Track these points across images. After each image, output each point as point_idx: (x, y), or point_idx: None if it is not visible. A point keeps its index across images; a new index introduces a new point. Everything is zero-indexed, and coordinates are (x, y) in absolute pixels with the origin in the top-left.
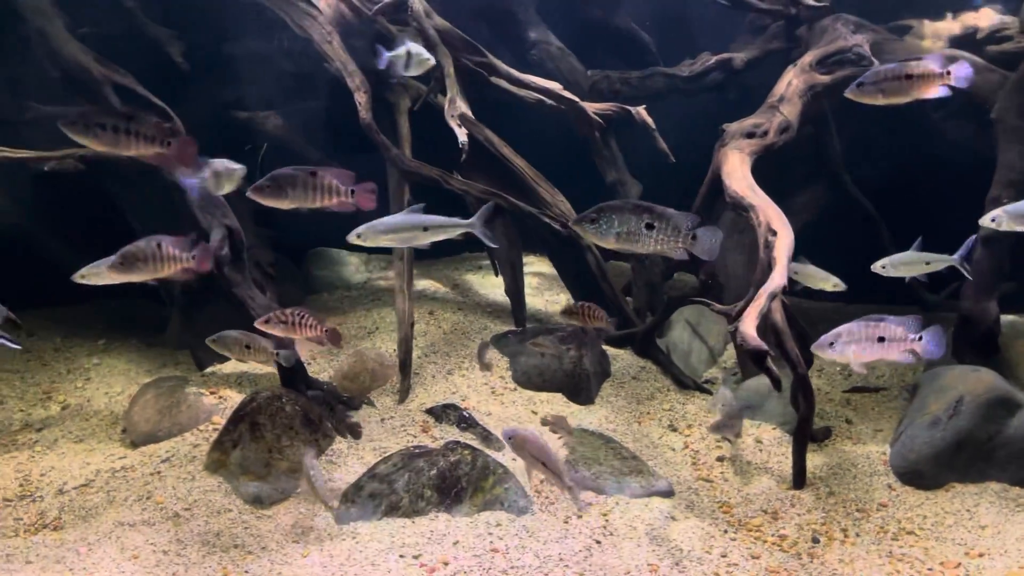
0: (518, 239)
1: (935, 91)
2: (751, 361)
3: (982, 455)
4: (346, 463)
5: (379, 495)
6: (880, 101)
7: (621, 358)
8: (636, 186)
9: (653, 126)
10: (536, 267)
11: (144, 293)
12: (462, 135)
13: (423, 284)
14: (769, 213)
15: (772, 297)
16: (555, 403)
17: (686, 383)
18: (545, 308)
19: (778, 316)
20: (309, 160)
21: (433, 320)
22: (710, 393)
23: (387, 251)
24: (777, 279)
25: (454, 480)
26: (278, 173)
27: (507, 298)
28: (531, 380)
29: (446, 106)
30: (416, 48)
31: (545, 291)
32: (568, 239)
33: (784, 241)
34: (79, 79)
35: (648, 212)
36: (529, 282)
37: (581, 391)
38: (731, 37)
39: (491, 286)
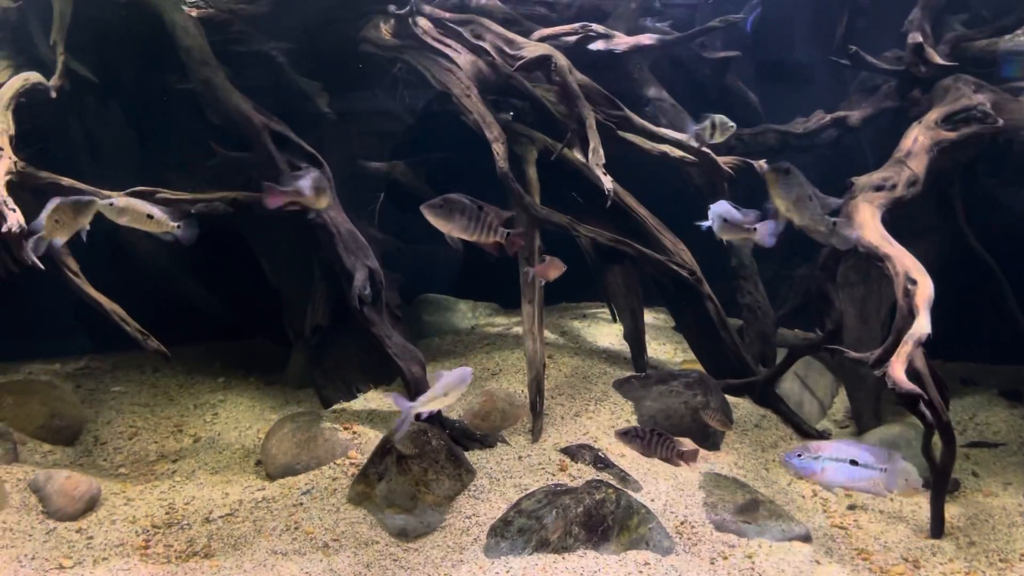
0: (638, 286)
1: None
2: (904, 405)
3: None
4: (489, 498)
5: (528, 530)
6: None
7: (741, 406)
8: None
9: None
10: None
11: (261, 333)
12: (608, 182)
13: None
14: (907, 262)
15: (918, 343)
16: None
17: (809, 432)
18: (653, 356)
19: (920, 363)
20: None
21: (553, 364)
22: None
23: (493, 298)
24: (922, 325)
25: (600, 518)
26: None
27: (618, 345)
28: (658, 424)
29: (590, 155)
30: (720, 118)
31: (651, 340)
32: (690, 287)
33: (924, 290)
34: (241, 127)
35: None
36: None
37: (708, 436)
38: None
39: (600, 334)
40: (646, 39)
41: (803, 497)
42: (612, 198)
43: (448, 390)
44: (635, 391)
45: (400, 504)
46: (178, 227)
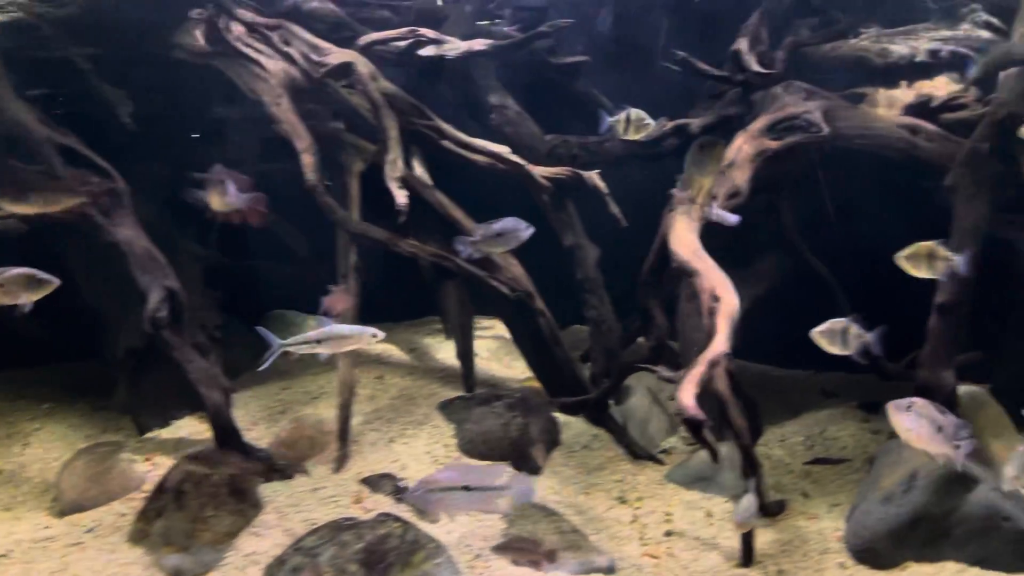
0: (469, 302)
1: None
2: (687, 430)
3: (939, 532)
4: (272, 535)
5: (301, 569)
6: None
7: (573, 426)
8: (593, 250)
9: (605, 190)
10: (497, 330)
11: (90, 355)
12: (400, 197)
13: (378, 348)
14: (713, 279)
15: (713, 364)
16: None
17: (639, 453)
18: (501, 373)
19: (721, 384)
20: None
21: (381, 385)
22: (663, 463)
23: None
24: (718, 345)
25: (381, 554)
26: None
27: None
28: (476, 448)
29: (386, 168)
30: (637, 113)
31: (504, 355)
32: (520, 303)
33: (727, 307)
34: (21, 139)
35: None
36: (488, 345)
37: (527, 460)
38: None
39: (448, 350)
40: (479, 44)
41: (620, 523)
42: (405, 213)
43: (324, 338)
44: (458, 413)
45: (177, 542)
46: None
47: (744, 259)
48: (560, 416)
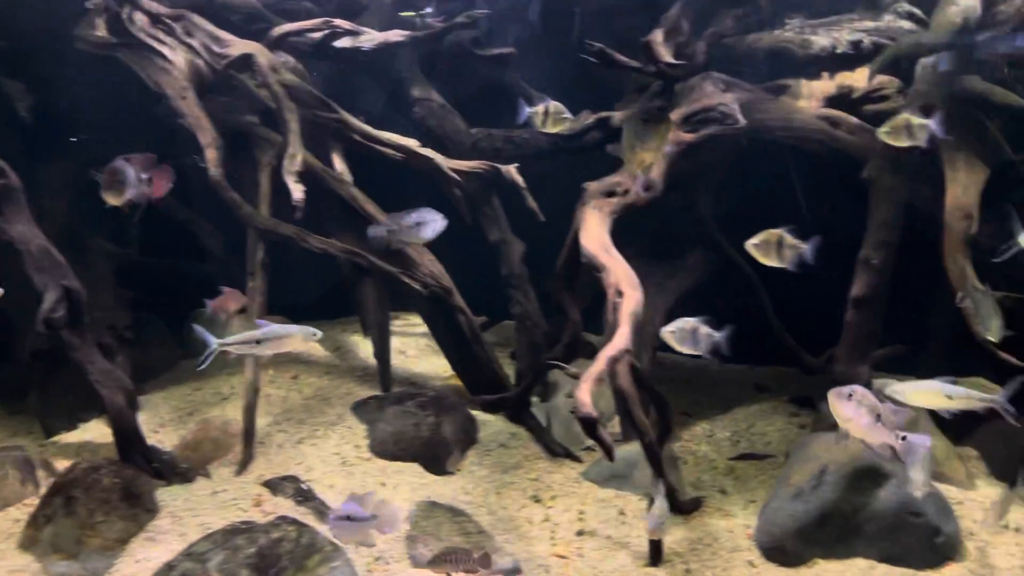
0: (387, 301)
1: None
2: (582, 428)
3: (849, 529)
4: (166, 540)
5: (191, 575)
6: None
7: (491, 424)
8: (519, 245)
9: (522, 185)
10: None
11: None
12: (297, 192)
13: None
14: (619, 274)
15: (613, 361)
16: (408, 474)
17: (557, 451)
18: (427, 372)
19: (624, 381)
20: (179, 219)
21: (295, 385)
22: (580, 461)
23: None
24: (619, 342)
25: (274, 558)
26: None
27: None
28: (387, 449)
29: (284, 162)
30: (556, 105)
31: (431, 354)
32: (438, 300)
33: (630, 304)
34: None
35: None
36: (416, 343)
37: (439, 460)
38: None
39: (369, 349)
40: (395, 36)
41: (531, 523)
42: (301, 208)
43: (263, 339)
44: (371, 413)
45: (66, 549)
46: None
47: (676, 252)
48: (479, 414)
